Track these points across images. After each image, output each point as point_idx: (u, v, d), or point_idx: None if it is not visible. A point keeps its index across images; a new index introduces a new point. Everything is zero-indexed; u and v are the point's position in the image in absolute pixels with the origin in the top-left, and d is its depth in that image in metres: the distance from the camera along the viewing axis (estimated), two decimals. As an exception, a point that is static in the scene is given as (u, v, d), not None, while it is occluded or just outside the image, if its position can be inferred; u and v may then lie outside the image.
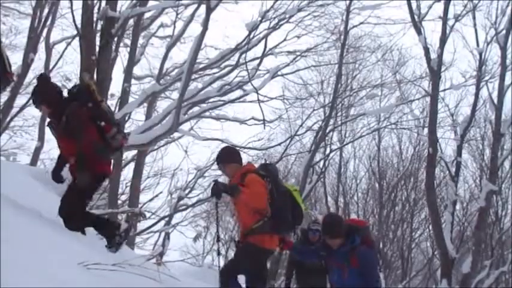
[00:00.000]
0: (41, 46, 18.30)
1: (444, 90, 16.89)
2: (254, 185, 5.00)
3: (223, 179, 6.31)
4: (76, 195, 4.93)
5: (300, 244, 7.17)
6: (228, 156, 5.35)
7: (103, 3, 10.38)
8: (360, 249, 5.23)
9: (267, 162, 5.52)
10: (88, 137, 4.84)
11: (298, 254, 6.32)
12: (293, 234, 5.90)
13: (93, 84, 5.33)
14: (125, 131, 5.28)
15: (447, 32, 15.16)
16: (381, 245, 23.55)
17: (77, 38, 11.78)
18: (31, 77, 19.28)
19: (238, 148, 17.35)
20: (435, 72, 14.92)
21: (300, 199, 5.31)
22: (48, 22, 18.01)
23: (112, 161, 5.40)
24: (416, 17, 14.93)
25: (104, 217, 5.64)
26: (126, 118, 15.16)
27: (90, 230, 5.34)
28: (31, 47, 16.76)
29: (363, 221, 7.46)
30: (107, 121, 5.02)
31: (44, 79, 5.26)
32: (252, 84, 14.93)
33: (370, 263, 5.30)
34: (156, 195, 20.31)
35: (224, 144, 6.06)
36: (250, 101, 17.55)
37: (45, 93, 5.03)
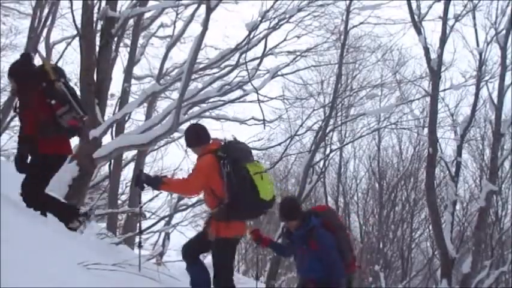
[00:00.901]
0: (41, 46, 18.33)
1: (444, 90, 16.88)
2: (192, 174, 4.83)
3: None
4: (35, 174, 4.95)
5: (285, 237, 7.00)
6: (193, 139, 5.07)
7: (103, 3, 10.38)
8: (318, 231, 5.21)
9: (234, 140, 5.04)
10: (33, 117, 4.89)
11: (277, 251, 6.09)
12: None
13: (48, 64, 5.33)
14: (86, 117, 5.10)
15: (447, 32, 15.15)
16: (381, 245, 23.57)
17: (77, 38, 11.77)
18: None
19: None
20: (435, 72, 14.92)
21: (262, 184, 4.77)
22: (48, 22, 18.01)
23: (70, 140, 5.22)
24: (416, 17, 14.93)
25: (64, 201, 5.64)
26: (126, 118, 15.18)
27: (90, 230, 5.34)
28: (31, 47, 16.74)
29: (325, 206, 7.25)
30: (58, 100, 4.96)
31: (26, 56, 5.42)
32: (252, 84, 14.91)
33: (325, 245, 5.19)
34: (156, 195, 20.30)
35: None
36: (250, 101, 17.55)
37: (20, 70, 5.17)
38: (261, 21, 15.27)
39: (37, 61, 5.58)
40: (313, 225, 5.23)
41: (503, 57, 15.52)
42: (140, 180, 4.88)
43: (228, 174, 4.71)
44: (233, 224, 4.79)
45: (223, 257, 4.82)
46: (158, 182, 4.82)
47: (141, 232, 5.89)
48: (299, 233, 5.27)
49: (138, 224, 6.76)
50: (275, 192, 5.05)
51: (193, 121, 17.91)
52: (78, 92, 5.59)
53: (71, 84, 5.51)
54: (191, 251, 5.03)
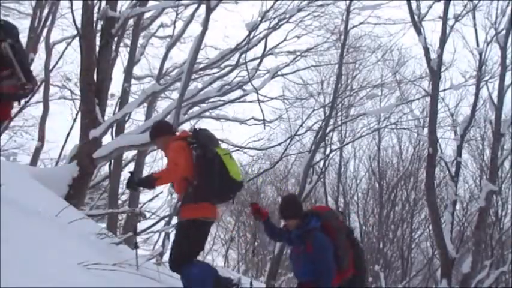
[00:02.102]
0: (41, 46, 18.35)
1: (444, 90, 16.90)
2: (170, 161, 4.80)
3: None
4: None
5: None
6: (156, 130, 5.11)
7: (103, 3, 10.40)
8: (314, 233, 5.08)
9: (201, 129, 5.10)
10: None
11: (269, 231, 5.72)
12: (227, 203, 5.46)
13: None
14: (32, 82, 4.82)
15: (447, 32, 15.15)
16: (381, 245, 23.58)
17: (77, 38, 11.80)
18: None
19: (238, 148, 17.44)
20: (435, 72, 14.92)
21: (232, 164, 4.83)
22: (48, 22, 18.03)
23: (11, 105, 4.99)
24: (416, 17, 14.93)
25: None
26: (126, 118, 15.18)
27: (90, 230, 5.34)
28: (31, 47, 16.76)
29: (327, 207, 7.07)
30: None
31: None
32: (252, 84, 14.93)
33: (320, 248, 5.04)
34: (156, 195, 20.29)
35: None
36: (250, 101, 17.58)
37: None
38: (261, 21, 15.30)
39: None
40: (312, 227, 5.11)
41: (503, 57, 15.51)
42: (133, 182, 4.84)
43: (198, 156, 4.75)
44: (201, 206, 4.73)
45: (183, 236, 4.73)
46: (152, 181, 4.76)
47: (136, 233, 5.83)
48: (297, 233, 5.17)
49: (133, 225, 6.72)
50: (243, 176, 5.06)
51: (193, 121, 18.00)
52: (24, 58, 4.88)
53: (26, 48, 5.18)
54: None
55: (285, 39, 17.29)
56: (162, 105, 18.65)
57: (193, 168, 4.74)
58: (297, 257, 5.28)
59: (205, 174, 4.71)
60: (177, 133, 5.18)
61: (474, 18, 15.87)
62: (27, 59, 5.15)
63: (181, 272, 4.69)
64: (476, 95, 16.46)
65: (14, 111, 17.85)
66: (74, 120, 17.90)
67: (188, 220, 4.71)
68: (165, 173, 4.81)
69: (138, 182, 4.88)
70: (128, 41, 16.39)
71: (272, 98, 17.68)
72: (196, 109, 16.95)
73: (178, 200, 4.92)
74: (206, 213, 4.79)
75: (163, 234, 18.24)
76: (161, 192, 20.14)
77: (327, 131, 17.36)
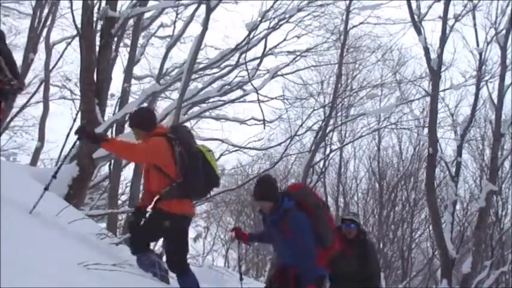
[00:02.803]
0: (41, 46, 18.35)
1: (444, 90, 16.91)
2: (143, 144, 4.75)
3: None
4: None
5: None
6: (135, 119, 5.02)
7: (103, 3, 10.39)
8: (290, 214, 4.78)
9: (179, 124, 5.17)
10: None
11: (258, 241, 5.55)
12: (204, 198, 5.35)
13: None
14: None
15: (447, 32, 15.16)
16: (381, 245, 23.56)
17: (77, 38, 11.79)
18: (31, 77, 19.33)
19: (238, 148, 17.41)
20: (435, 72, 14.92)
21: (213, 161, 4.88)
22: (48, 22, 18.03)
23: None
24: (416, 17, 14.94)
25: None
26: (126, 118, 15.17)
27: (90, 230, 5.34)
28: (31, 47, 16.77)
29: (300, 184, 6.66)
30: None
31: None
32: (252, 84, 14.95)
33: (297, 229, 4.75)
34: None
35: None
36: (250, 101, 17.59)
37: None
38: (261, 21, 15.32)
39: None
40: (287, 208, 4.81)
41: (503, 57, 15.53)
42: (83, 131, 4.72)
43: (181, 153, 4.71)
44: (185, 202, 4.76)
45: (177, 233, 4.74)
46: (102, 139, 4.68)
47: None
48: (272, 218, 4.88)
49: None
50: (219, 173, 5.16)
51: (193, 121, 18.01)
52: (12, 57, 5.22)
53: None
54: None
55: (284, 39, 17.31)
56: (162, 105, 18.66)
57: (175, 165, 4.70)
58: (276, 242, 5.08)
59: (190, 171, 4.70)
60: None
61: (474, 18, 15.90)
62: (13, 58, 5.16)
63: (183, 274, 4.73)
64: (476, 95, 16.48)
65: (14, 111, 17.98)
66: (74, 120, 17.91)
67: (176, 215, 4.69)
68: (122, 145, 4.75)
69: (88, 132, 4.76)
70: (128, 41, 16.37)
71: (272, 98, 17.70)
72: (196, 109, 16.95)
73: (156, 193, 4.79)
74: (187, 209, 4.82)
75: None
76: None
77: (327, 131, 17.37)
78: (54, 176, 4.92)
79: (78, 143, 4.77)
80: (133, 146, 4.77)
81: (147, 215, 4.90)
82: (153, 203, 4.82)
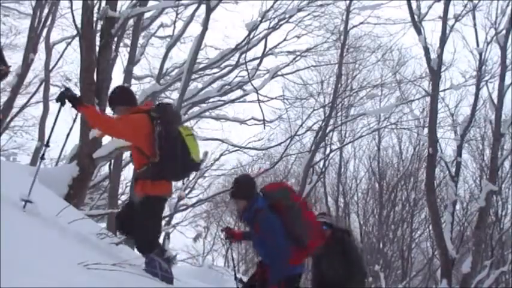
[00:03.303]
0: (41, 46, 18.35)
1: (444, 90, 16.93)
2: (122, 119, 4.69)
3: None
4: None
5: None
6: (117, 97, 4.92)
7: (103, 3, 10.38)
8: (261, 214, 4.81)
9: (166, 103, 5.01)
10: None
11: (248, 239, 5.50)
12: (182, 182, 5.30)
13: None
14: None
15: (447, 32, 15.17)
16: (381, 245, 23.57)
17: (77, 38, 11.78)
18: (31, 77, 19.34)
19: (238, 148, 17.42)
20: (435, 72, 14.93)
21: (194, 145, 4.79)
22: (48, 22, 18.03)
23: None
24: (416, 17, 14.94)
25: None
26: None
27: (90, 230, 5.34)
28: (31, 47, 16.76)
29: (277, 184, 6.67)
30: None
31: None
32: (252, 84, 14.97)
33: (267, 230, 4.77)
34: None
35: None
36: (250, 101, 17.60)
37: None
38: (261, 21, 15.34)
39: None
40: (258, 208, 4.84)
41: (503, 57, 15.53)
42: (63, 95, 4.60)
43: (160, 133, 4.64)
44: (160, 183, 4.69)
45: (149, 214, 4.68)
46: (79, 103, 4.59)
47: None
48: (246, 216, 4.93)
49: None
50: (202, 156, 5.15)
51: (193, 121, 18.01)
52: None
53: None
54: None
55: (285, 39, 17.33)
56: (162, 105, 18.65)
57: (153, 144, 4.65)
58: (252, 240, 5.12)
59: (166, 153, 4.64)
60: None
61: (474, 18, 15.91)
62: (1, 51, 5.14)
63: (148, 256, 4.65)
64: (476, 95, 16.48)
65: (14, 111, 17.99)
66: (74, 120, 17.90)
67: (151, 197, 4.65)
68: (100, 117, 4.73)
69: (68, 96, 4.62)
70: (128, 41, 16.38)
71: (272, 98, 17.72)
72: (196, 109, 16.96)
73: (134, 172, 4.86)
74: (163, 191, 4.76)
75: (163, 234, 18.30)
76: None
77: (327, 131, 17.39)
78: (47, 145, 4.91)
79: (61, 107, 4.65)
80: (109, 119, 4.76)
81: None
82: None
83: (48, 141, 4.85)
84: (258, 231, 4.86)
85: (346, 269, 5.83)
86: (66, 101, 4.60)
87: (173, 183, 5.01)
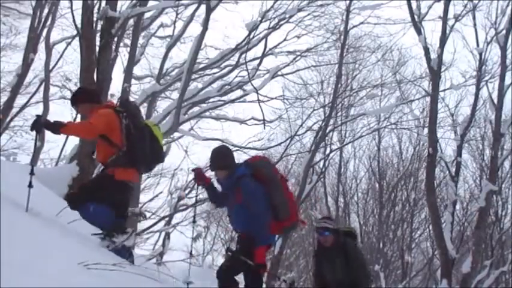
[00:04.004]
0: (41, 46, 18.34)
1: (444, 90, 16.92)
2: (93, 117, 4.91)
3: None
4: None
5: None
6: (80, 96, 5.21)
7: (103, 3, 10.39)
8: (243, 180, 4.89)
9: (127, 99, 5.44)
10: None
11: (212, 196, 5.39)
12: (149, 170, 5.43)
13: None
14: None
15: (447, 32, 15.17)
16: (381, 245, 23.57)
17: (77, 38, 11.79)
18: (31, 77, 19.33)
19: (238, 148, 17.46)
20: (435, 72, 14.93)
21: (159, 134, 5.18)
22: (48, 22, 18.04)
23: None
24: (416, 17, 14.94)
25: None
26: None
27: (90, 230, 5.34)
28: (31, 47, 16.77)
29: (259, 156, 6.74)
30: None
31: None
32: (252, 84, 14.97)
33: (250, 194, 4.85)
34: (156, 195, 20.31)
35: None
36: (250, 101, 17.60)
37: None
38: (261, 21, 15.34)
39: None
40: (241, 174, 4.92)
41: (503, 57, 15.54)
42: (38, 124, 4.68)
43: (127, 125, 4.94)
44: (130, 171, 5.00)
45: (120, 197, 4.98)
46: (58, 126, 4.72)
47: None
48: (227, 183, 5.00)
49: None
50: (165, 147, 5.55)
51: (193, 121, 18.01)
52: None
53: None
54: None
55: (285, 39, 17.34)
56: (162, 105, 18.67)
57: (121, 136, 4.93)
58: (231, 210, 5.12)
59: (136, 143, 4.93)
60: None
61: (474, 18, 15.92)
62: None
63: (82, 208, 4.98)
64: (476, 95, 16.49)
65: (14, 111, 17.99)
66: (74, 120, 17.90)
67: (121, 181, 4.95)
68: (79, 126, 5.10)
69: (44, 123, 4.73)
70: (128, 41, 16.39)
71: (272, 98, 17.72)
72: (196, 109, 16.96)
73: (102, 164, 5.13)
74: (131, 177, 5.04)
75: (163, 234, 18.29)
76: (161, 192, 20.17)
77: (327, 131, 17.38)
78: (31, 173, 4.92)
79: (37, 136, 4.91)
80: (87, 122, 4.99)
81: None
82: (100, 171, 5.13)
83: (32, 169, 4.82)
84: (240, 197, 4.91)
85: (350, 276, 5.74)
86: (43, 128, 4.76)
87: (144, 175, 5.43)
